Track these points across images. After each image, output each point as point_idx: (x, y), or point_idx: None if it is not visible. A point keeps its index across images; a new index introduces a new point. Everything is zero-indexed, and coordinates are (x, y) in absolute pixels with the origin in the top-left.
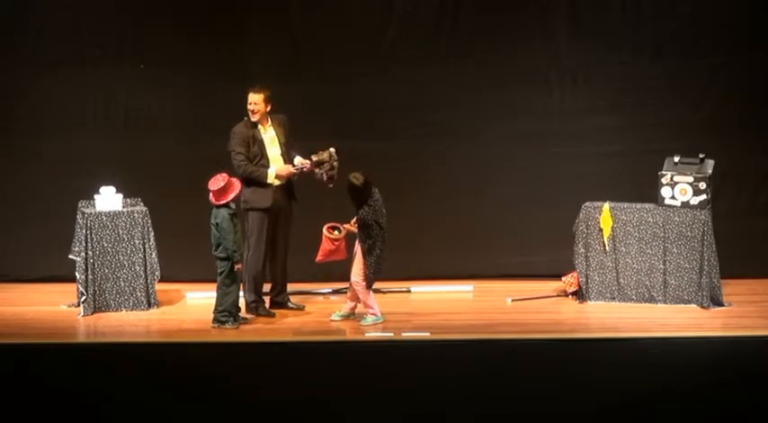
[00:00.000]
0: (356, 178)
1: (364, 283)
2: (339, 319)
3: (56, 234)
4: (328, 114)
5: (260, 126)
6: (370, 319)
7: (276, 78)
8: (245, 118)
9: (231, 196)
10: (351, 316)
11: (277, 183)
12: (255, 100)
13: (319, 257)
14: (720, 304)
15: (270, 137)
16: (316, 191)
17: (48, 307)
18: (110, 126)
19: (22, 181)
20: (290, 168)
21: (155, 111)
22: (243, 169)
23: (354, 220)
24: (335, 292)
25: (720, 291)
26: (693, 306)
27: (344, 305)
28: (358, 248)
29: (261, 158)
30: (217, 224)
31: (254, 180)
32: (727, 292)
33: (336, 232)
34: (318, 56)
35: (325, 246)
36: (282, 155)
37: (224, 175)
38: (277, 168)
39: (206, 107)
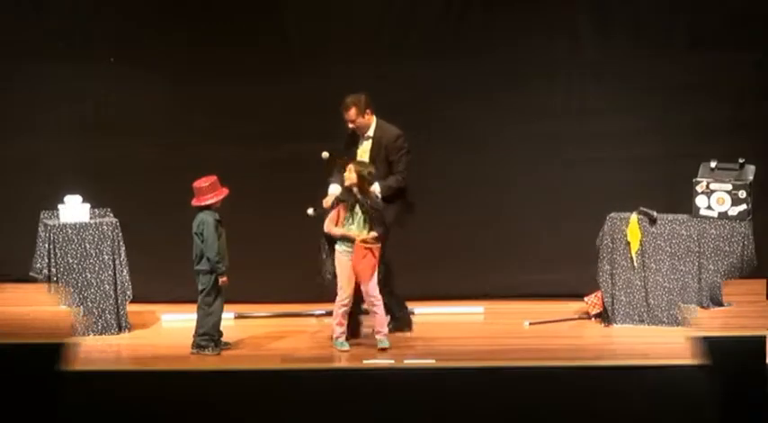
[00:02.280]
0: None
1: (378, 296)
2: (348, 348)
3: (15, 249)
4: (324, 114)
5: (358, 133)
6: (388, 342)
7: (266, 75)
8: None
9: (210, 201)
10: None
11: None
12: (348, 118)
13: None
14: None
15: (364, 148)
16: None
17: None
18: (75, 128)
19: None
20: (327, 202)
21: (127, 111)
22: None
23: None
24: (328, 314)
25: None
26: None
27: (339, 333)
28: (358, 264)
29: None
30: (201, 232)
31: None
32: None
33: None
34: (312, 51)
35: (370, 261)
36: None
37: (213, 176)
38: (332, 190)
39: (186, 107)
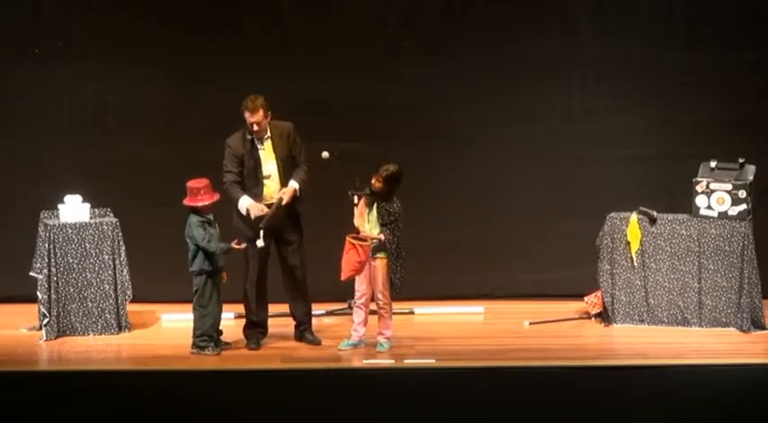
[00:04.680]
0: (394, 166)
1: (389, 299)
2: (349, 348)
3: (15, 248)
4: (322, 114)
5: (256, 139)
6: (387, 345)
7: (265, 74)
8: (244, 128)
9: (198, 204)
10: (360, 344)
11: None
12: (256, 120)
13: (348, 273)
14: (762, 327)
15: (267, 152)
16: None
17: (6, 330)
18: (76, 127)
19: None
20: (263, 210)
21: (126, 110)
22: (224, 189)
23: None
24: (329, 313)
25: (762, 313)
26: (732, 329)
27: (353, 332)
28: (371, 265)
29: (255, 178)
30: (191, 235)
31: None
32: None
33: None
34: (311, 50)
35: (353, 257)
36: (279, 172)
37: (206, 180)
38: (249, 204)
39: (186, 106)
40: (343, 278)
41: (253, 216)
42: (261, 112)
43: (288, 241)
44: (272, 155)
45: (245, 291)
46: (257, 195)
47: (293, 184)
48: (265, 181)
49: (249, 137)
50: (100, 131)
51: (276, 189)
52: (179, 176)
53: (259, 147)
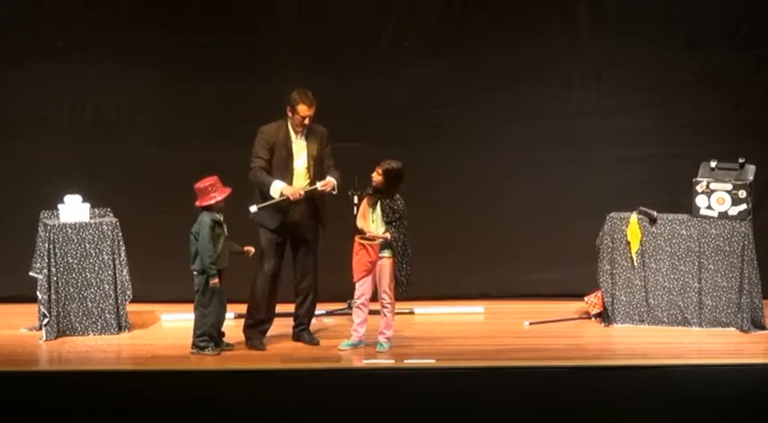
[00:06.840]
0: (396, 162)
1: (393, 298)
2: (349, 348)
3: (15, 248)
4: (321, 113)
5: (292, 132)
6: (387, 345)
7: (263, 73)
8: (286, 119)
9: (211, 201)
10: (360, 344)
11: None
12: (311, 114)
13: (361, 275)
14: (762, 327)
15: (299, 146)
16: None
17: (6, 330)
18: (76, 127)
19: None
20: (299, 190)
21: (126, 110)
22: (251, 174)
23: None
24: (329, 314)
25: (763, 313)
26: (732, 330)
27: (353, 332)
28: (378, 263)
29: (285, 169)
30: (197, 233)
31: (260, 190)
32: None
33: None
34: (310, 48)
35: (364, 258)
36: (308, 169)
37: (214, 177)
38: (284, 187)
39: (186, 106)
40: (355, 280)
41: (293, 198)
42: (314, 108)
43: (304, 240)
44: (305, 151)
45: (253, 287)
46: None
47: (331, 179)
48: (295, 173)
49: (290, 128)
50: (100, 131)
51: (304, 183)
52: (179, 176)
53: (293, 139)
